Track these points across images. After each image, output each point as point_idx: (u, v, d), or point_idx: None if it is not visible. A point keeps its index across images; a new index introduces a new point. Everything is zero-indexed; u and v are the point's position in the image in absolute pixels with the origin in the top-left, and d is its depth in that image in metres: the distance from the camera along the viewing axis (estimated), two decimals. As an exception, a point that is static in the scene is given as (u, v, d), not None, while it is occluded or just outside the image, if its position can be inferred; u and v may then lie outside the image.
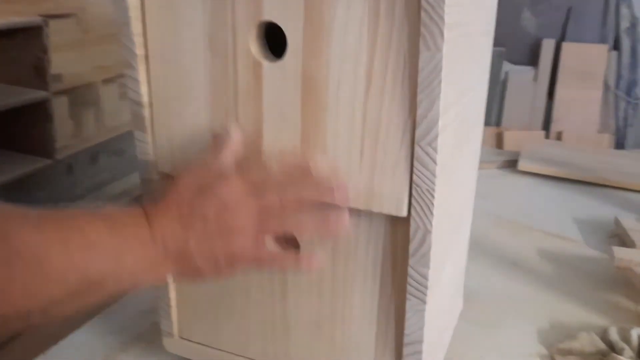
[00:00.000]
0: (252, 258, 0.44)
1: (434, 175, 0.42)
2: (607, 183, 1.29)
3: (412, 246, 0.45)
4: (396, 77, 0.42)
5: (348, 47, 0.43)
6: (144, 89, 0.50)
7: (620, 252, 0.88)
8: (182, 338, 0.59)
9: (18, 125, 1.41)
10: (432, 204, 0.43)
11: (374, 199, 0.45)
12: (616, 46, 2.10)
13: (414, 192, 0.44)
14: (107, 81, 1.81)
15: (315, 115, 0.45)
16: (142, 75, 0.49)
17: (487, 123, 2.16)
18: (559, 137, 2.09)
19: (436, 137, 0.41)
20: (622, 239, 1.02)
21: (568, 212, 1.18)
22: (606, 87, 2.09)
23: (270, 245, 0.46)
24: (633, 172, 1.34)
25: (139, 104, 0.50)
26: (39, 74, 1.32)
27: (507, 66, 2.15)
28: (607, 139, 2.07)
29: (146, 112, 0.51)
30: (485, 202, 1.20)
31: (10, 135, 1.41)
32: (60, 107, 1.50)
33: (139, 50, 0.49)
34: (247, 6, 0.45)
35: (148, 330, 0.72)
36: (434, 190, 0.43)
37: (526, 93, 2.12)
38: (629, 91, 2.10)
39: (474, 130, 0.61)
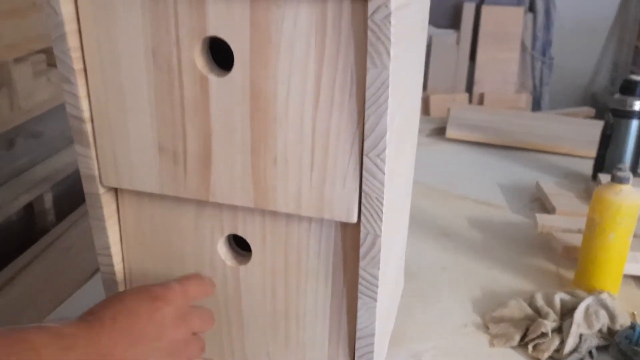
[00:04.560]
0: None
1: (382, 184, 0.44)
2: (528, 146, 1.37)
3: (363, 249, 0.48)
4: (344, 91, 0.43)
5: (296, 61, 0.43)
6: (84, 104, 0.48)
7: (543, 219, 0.95)
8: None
9: None
10: (382, 210, 0.45)
11: (324, 206, 0.47)
12: (531, 8, 2.19)
13: (363, 200, 0.46)
14: (18, 60, 1.70)
15: (264, 128, 0.46)
16: (81, 90, 0.48)
17: (412, 87, 2.21)
18: (481, 98, 2.17)
19: (384, 149, 0.43)
20: (543, 203, 1.10)
21: (493, 178, 1.25)
22: (523, 48, 2.19)
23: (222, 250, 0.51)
24: (550, 134, 1.43)
25: (79, 119, 0.49)
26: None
27: (430, 30, 2.20)
28: (525, 98, 2.18)
29: (87, 127, 0.49)
30: (415, 173, 1.25)
31: None
32: (-32, 92, 1.40)
33: (77, 65, 0.47)
34: (190, 21, 0.44)
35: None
36: (382, 198, 0.45)
37: (449, 56, 2.18)
38: (544, 51, 2.21)
39: (414, 116, 0.63)
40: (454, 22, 2.17)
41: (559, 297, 0.77)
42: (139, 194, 0.53)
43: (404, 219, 0.68)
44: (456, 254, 0.94)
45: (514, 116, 1.60)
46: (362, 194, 0.45)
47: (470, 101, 2.15)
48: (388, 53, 0.40)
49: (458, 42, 2.16)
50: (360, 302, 0.50)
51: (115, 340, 0.42)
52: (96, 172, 0.51)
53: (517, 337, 0.73)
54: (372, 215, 0.46)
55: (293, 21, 0.42)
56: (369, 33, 0.40)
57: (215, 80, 0.45)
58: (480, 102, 2.15)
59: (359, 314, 0.51)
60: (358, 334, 0.52)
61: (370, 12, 0.39)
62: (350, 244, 0.49)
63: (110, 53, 0.47)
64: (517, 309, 0.77)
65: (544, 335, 0.71)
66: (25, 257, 1.56)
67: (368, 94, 0.42)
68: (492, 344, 0.73)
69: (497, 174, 1.27)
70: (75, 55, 0.47)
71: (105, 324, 0.43)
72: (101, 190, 0.52)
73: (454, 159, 1.35)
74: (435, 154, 1.37)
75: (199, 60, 0.45)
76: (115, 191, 0.54)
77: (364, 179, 0.45)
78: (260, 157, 0.47)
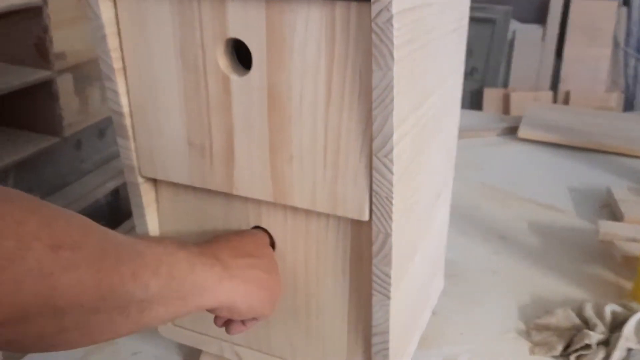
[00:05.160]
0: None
1: (391, 184, 0.45)
2: (605, 149, 1.30)
3: (375, 247, 0.48)
4: (353, 92, 0.44)
5: (308, 63, 0.45)
6: (123, 100, 0.52)
7: (606, 226, 0.90)
8: (174, 325, 0.64)
9: (25, 105, 1.44)
10: (392, 210, 0.46)
11: (338, 204, 0.48)
12: (625, 2, 2.05)
13: (374, 199, 0.46)
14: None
15: (281, 126, 0.48)
16: (121, 87, 0.52)
17: (493, 84, 2.15)
18: (567, 96, 2.07)
19: (391, 149, 0.44)
20: (613, 209, 1.04)
21: (563, 181, 1.19)
22: (615, 44, 2.06)
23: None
24: (632, 136, 1.34)
25: (119, 113, 0.53)
26: (41, 53, 1.34)
27: (514, 25, 2.12)
28: (616, 97, 2.05)
29: (127, 121, 0.53)
30: (480, 173, 1.22)
31: (18, 115, 1.45)
32: (65, 85, 1.53)
33: (116, 64, 0.51)
34: (213, 24, 0.47)
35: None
36: (392, 197, 0.45)
37: (534, 52, 2.09)
38: (638, 48, 2.07)
39: (448, 117, 0.63)
40: (540, 17, 2.08)
41: (610, 308, 0.73)
42: (174, 185, 0.56)
43: (439, 219, 0.68)
44: (510, 258, 0.92)
45: (596, 116, 1.52)
46: (373, 192, 0.46)
47: (554, 100, 2.06)
48: (392, 55, 0.40)
49: (544, 37, 2.07)
50: (374, 299, 0.51)
51: (224, 251, 0.49)
52: (135, 163, 0.55)
53: (560, 347, 0.70)
54: (382, 214, 0.47)
55: (304, 24, 0.43)
56: (373, 36, 0.40)
57: (236, 80, 0.48)
58: (566, 101, 2.05)
59: (373, 310, 0.51)
60: (373, 330, 0.52)
61: (373, 15, 0.40)
62: (366, 241, 0.50)
63: (145, 54, 0.50)
64: (564, 318, 0.74)
65: (588, 346, 0.68)
66: (109, 238, 1.69)
67: (374, 95, 0.42)
68: (532, 352, 0.71)
69: (569, 177, 1.21)
70: (115, 55, 0.51)
71: (214, 242, 0.51)
72: (140, 180, 0.56)
73: (523, 160, 1.31)
74: (504, 154, 1.33)
75: (221, 60, 0.48)
76: (154, 181, 0.58)
77: (374, 179, 0.46)
78: (278, 155, 0.49)
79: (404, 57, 0.43)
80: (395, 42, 0.40)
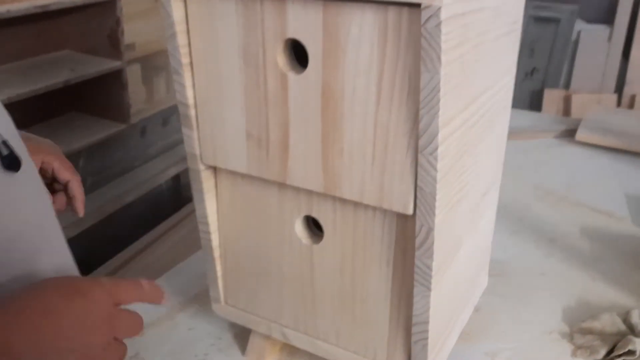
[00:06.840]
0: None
1: (435, 181, 0.47)
2: (668, 156, 1.26)
3: (418, 240, 0.51)
4: (402, 92, 0.46)
5: (361, 63, 0.47)
6: (189, 93, 0.57)
7: (661, 234, 0.89)
8: (227, 304, 0.68)
9: (96, 93, 1.53)
10: (435, 205, 0.48)
11: (384, 197, 0.51)
12: (701, 2, 1.96)
13: (418, 194, 0.49)
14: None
15: (334, 122, 0.51)
16: (187, 81, 0.56)
17: (555, 85, 2.10)
18: (632, 100, 2.01)
19: (436, 148, 0.46)
20: (671, 217, 1.02)
21: (621, 187, 1.17)
22: (688, 47, 1.97)
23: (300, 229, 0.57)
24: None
25: (185, 105, 0.57)
26: (113, 44, 1.42)
27: (579, 25, 2.07)
28: (685, 102, 1.97)
29: (192, 112, 0.58)
30: (533, 175, 1.22)
31: (90, 102, 1.54)
32: (133, 75, 1.60)
33: (184, 59, 0.55)
34: (274, 25, 0.50)
35: (203, 292, 0.82)
36: (435, 193, 0.48)
37: (599, 53, 2.04)
38: None
39: (498, 119, 0.64)
40: (608, 17, 2.02)
41: (657, 316, 0.73)
42: (233, 173, 0.60)
43: (486, 218, 0.69)
44: (559, 261, 0.92)
45: (661, 121, 1.47)
46: (417, 188, 0.49)
47: (618, 103, 2.00)
48: (439, 59, 0.43)
49: (610, 38, 2.01)
50: (415, 290, 0.53)
51: (15, 336, 0.36)
52: (198, 152, 0.60)
53: (603, 352, 0.70)
54: (425, 209, 0.49)
55: (359, 27, 0.46)
56: (422, 40, 0.43)
57: (293, 77, 0.51)
58: (631, 104, 1.98)
59: (414, 300, 0.54)
60: (414, 320, 0.55)
61: (422, 20, 0.42)
62: (410, 234, 0.52)
63: (211, 51, 0.54)
64: (610, 323, 0.74)
65: (631, 352, 0.68)
66: (170, 220, 1.78)
67: (422, 95, 0.45)
68: (574, 355, 0.72)
69: (627, 183, 1.19)
70: (184, 51, 0.55)
71: (9, 315, 0.37)
72: (201, 167, 0.60)
73: (580, 164, 1.29)
74: (561, 157, 1.32)
75: (280, 59, 0.51)
76: (214, 169, 0.62)
77: (418, 175, 0.48)
78: (329, 148, 0.52)
79: (452, 60, 0.45)
80: (443, 46, 0.42)
